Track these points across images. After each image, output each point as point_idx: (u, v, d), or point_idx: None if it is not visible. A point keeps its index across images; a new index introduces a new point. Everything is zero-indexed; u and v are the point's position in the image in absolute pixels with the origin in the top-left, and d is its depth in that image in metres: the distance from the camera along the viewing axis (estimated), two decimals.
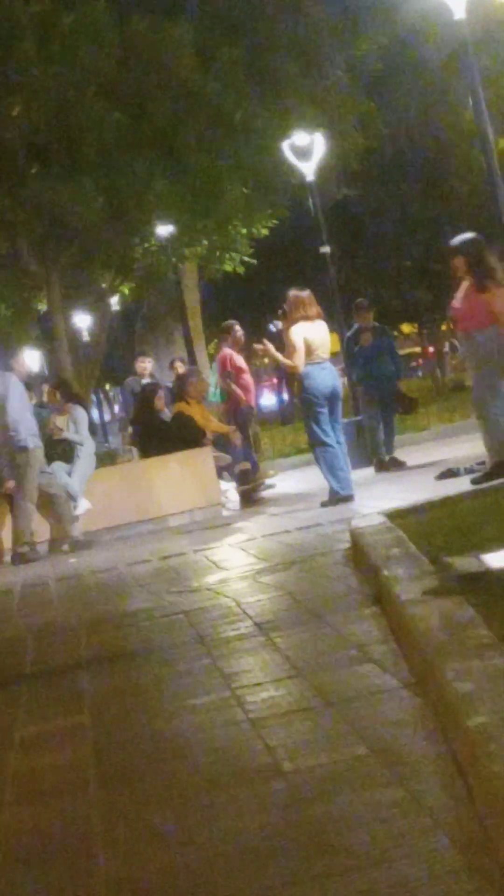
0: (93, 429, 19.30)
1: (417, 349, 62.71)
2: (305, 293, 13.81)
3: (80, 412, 15.81)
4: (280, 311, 14.50)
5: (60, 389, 16.24)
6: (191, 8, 29.64)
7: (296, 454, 23.60)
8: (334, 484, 13.32)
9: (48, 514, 15.08)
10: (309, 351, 13.42)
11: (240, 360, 17.42)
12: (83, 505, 15.04)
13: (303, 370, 13.42)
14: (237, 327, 17.65)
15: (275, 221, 32.17)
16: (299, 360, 13.41)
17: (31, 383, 17.32)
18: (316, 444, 13.60)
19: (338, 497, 13.20)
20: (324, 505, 13.14)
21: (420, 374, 58.53)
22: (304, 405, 13.84)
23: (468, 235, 12.62)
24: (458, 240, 12.53)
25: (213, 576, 9.57)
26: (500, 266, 12.28)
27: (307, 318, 13.53)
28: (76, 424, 15.49)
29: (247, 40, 29.70)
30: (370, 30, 32.93)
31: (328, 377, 13.49)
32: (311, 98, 30.51)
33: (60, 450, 15.32)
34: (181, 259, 32.07)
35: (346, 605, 6.98)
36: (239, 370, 17.12)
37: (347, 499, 13.18)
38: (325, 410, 13.45)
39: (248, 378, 17.51)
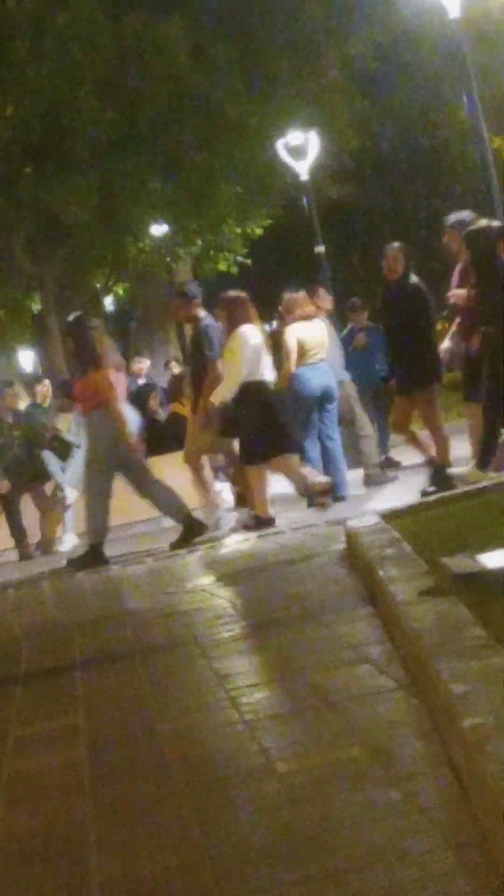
0: None
1: None
2: (300, 293, 13.83)
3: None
4: (276, 315, 14.50)
5: (65, 390, 16.24)
6: (184, 7, 29.61)
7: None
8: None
9: (45, 514, 15.14)
10: (303, 352, 13.40)
11: None
12: (71, 494, 15.10)
13: (294, 371, 13.41)
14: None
15: (269, 221, 32.19)
16: (290, 363, 13.43)
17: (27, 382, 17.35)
18: None
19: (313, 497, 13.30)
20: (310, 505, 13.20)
21: None
22: (293, 405, 13.87)
23: (70, 316, 12.75)
24: (70, 318, 12.49)
25: (207, 576, 9.57)
26: (105, 348, 12.19)
27: (305, 317, 13.52)
28: (78, 426, 15.51)
29: (241, 39, 29.73)
30: (365, 28, 32.95)
31: (320, 378, 13.46)
32: (306, 97, 30.54)
33: (57, 448, 15.34)
34: (175, 259, 32.07)
35: (342, 605, 6.97)
36: None
37: (326, 498, 13.25)
38: (314, 413, 13.42)
39: None
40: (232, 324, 12.48)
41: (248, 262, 32.67)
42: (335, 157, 32.64)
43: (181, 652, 6.78)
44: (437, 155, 40.19)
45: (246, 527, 12.07)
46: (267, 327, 14.24)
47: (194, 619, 7.68)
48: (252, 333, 12.35)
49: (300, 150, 28.29)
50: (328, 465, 13.46)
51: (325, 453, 13.50)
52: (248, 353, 12.19)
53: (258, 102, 29.47)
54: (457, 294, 12.07)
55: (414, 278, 12.29)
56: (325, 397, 13.49)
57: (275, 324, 17.74)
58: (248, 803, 4.06)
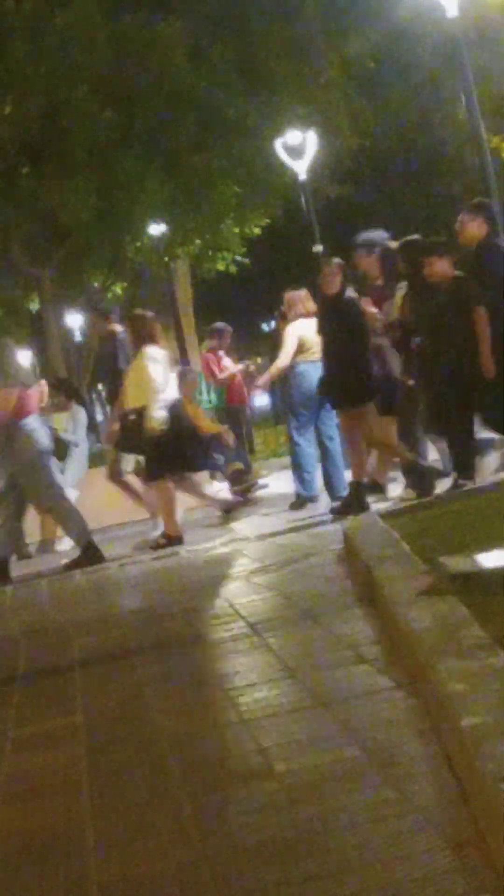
0: (89, 428, 19.29)
1: None
2: (301, 291, 13.84)
3: (81, 413, 15.83)
4: (277, 313, 14.49)
5: (63, 388, 16.22)
6: (182, 6, 29.61)
7: (289, 454, 23.53)
8: (297, 485, 13.44)
9: (42, 513, 15.10)
10: (304, 349, 13.40)
11: (227, 361, 17.42)
12: (72, 495, 15.09)
13: (297, 368, 13.42)
14: (226, 330, 17.65)
15: (267, 220, 32.18)
16: (283, 358, 13.47)
17: None
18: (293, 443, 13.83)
19: (303, 499, 13.29)
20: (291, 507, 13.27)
21: None
22: (293, 401, 13.92)
23: None
24: None
25: (205, 576, 9.56)
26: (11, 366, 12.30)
27: (306, 314, 13.52)
28: (75, 424, 15.49)
29: (239, 39, 29.73)
30: (363, 28, 32.92)
31: (320, 375, 13.45)
32: (304, 96, 30.53)
33: (54, 447, 15.31)
34: (173, 258, 32.06)
35: (340, 605, 6.97)
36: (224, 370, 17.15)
37: (312, 499, 13.26)
38: (310, 411, 13.42)
39: (238, 378, 17.50)
40: (139, 342, 12.59)
41: (247, 261, 32.66)
42: (333, 156, 32.61)
43: (179, 651, 6.79)
44: (435, 154, 40.18)
45: (158, 545, 12.05)
46: (265, 327, 14.21)
47: (192, 619, 7.68)
48: (158, 353, 12.49)
49: (298, 149, 28.28)
50: (327, 465, 13.45)
51: (325, 453, 13.49)
52: (158, 370, 12.30)
53: (256, 102, 29.47)
54: (376, 313, 12.18)
55: (351, 294, 12.15)
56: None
57: (273, 323, 17.75)
58: (246, 803, 4.06)
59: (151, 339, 12.56)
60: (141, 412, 12.19)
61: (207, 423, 16.74)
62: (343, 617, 6.58)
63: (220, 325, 17.87)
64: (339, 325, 11.95)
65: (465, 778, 3.65)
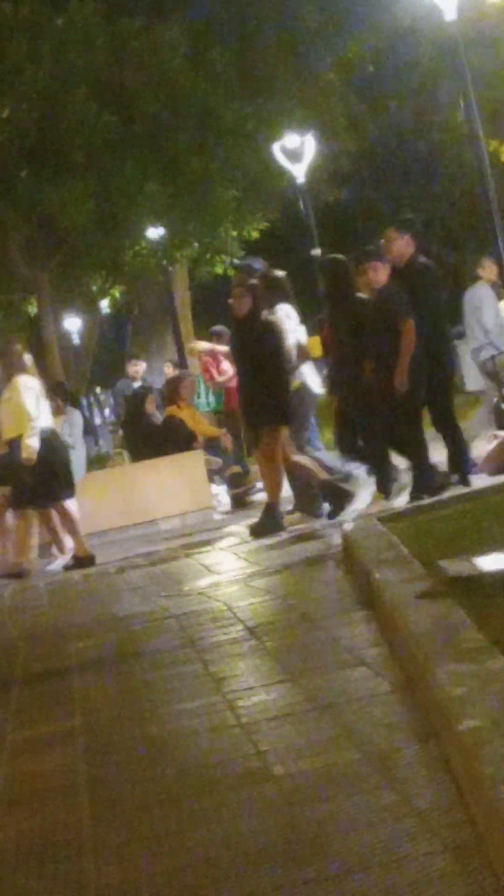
0: (86, 430, 19.28)
1: None
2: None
3: (76, 416, 15.83)
4: None
5: (58, 392, 16.22)
6: (181, 10, 29.63)
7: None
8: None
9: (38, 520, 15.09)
10: (306, 353, 13.36)
11: (225, 364, 17.43)
12: (72, 503, 15.09)
13: (299, 370, 13.39)
14: (224, 332, 17.65)
15: (266, 224, 32.17)
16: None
17: None
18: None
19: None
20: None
21: None
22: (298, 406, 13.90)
23: None
24: None
25: (204, 580, 9.56)
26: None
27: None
28: (72, 428, 15.48)
29: (237, 42, 29.73)
30: (361, 31, 32.96)
31: (317, 379, 13.44)
32: (302, 100, 30.52)
33: None
34: (172, 261, 32.05)
35: (338, 608, 6.97)
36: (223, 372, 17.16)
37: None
38: (311, 411, 13.41)
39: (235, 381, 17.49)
40: (10, 372, 12.71)
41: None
42: (332, 159, 32.62)
43: (178, 655, 6.78)
44: (433, 157, 40.22)
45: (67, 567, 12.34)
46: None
47: (191, 623, 7.68)
48: (31, 382, 12.59)
49: (297, 152, 28.32)
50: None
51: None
52: (31, 399, 12.40)
53: (255, 105, 29.46)
54: (201, 346, 12.15)
55: (266, 314, 12.06)
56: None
57: None
58: (245, 806, 4.06)
59: (22, 369, 12.71)
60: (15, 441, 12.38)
61: (205, 427, 16.77)
62: (342, 620, 6.58)
63: (218, 328, 17.87)
64: (252, 347, 11.71)
65: (463, 781, 3.64)
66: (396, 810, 3.71)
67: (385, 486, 11.43)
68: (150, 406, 17.09)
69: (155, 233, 30.74)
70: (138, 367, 19.89)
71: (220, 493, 16.20)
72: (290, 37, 30.44)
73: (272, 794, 4.10)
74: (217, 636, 7.02)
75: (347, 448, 11.81)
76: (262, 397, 11.61)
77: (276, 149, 28.59)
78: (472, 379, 17.32)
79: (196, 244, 31.55)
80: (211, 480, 16.11)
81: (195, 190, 28.87)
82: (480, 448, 12.81)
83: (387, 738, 4.42)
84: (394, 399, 10.86)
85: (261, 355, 11.62)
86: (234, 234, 31.37)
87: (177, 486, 15.64)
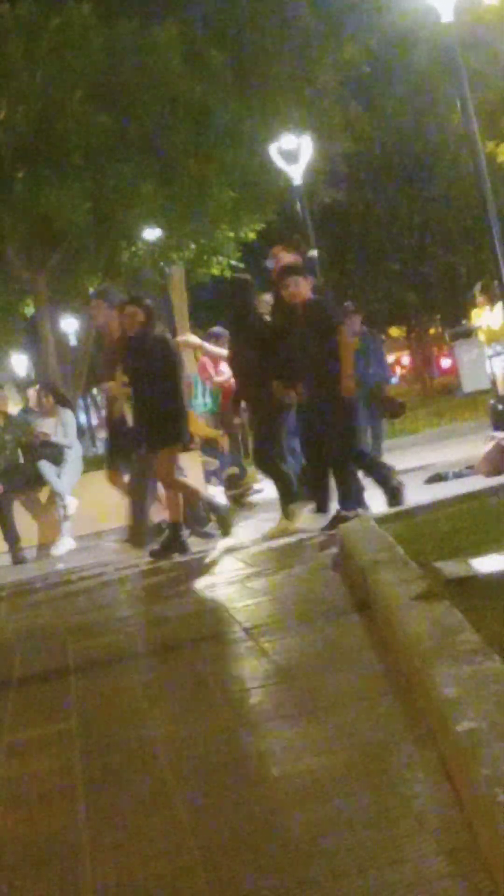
0: (81, 432, 19.30)
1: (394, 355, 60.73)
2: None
3: (68, 415, 15.81)
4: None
5: (49, 392, 16.23)
6: (178, 11, 29.62)
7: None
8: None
9: (38, 518, 15.12)
10: None
11: (223, 366, 17.43)
12: (72, 503, 15.13)
13: None
14: (223, 335, 17.65)
15: (262, 225, 32.18)
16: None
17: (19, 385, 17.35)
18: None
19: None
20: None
21: (396, 381, 56.85)
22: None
23: None
24: None
25: (201, 581, 9.57)
26: None
27: None
28: (65, 427, 15.48)
29: (234, 43, 29.72)
30: (358, 33, 32.94)
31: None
32: (299, 101, 30.53)
33: (48, 452, 15.33)
34: (169, 262, 32.06)
35: (334, 609, 6.98)
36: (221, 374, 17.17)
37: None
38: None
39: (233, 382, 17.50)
40: None
41: (242, 266, 32.66)
42: (328, 161, 32.64)
43: (175, 656, 6.79)
44: (430, 159, 40.24)
45: None
46: None
47: (187, 624, 7.68)
48: None
49: (293, 154, 28.31)
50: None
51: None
52: None
53: (251, 107, 29.46)
54: (109, 387, 12.12)
55: (158, 331, 12.01)
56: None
57: None
58: (242, 808, 4.06)
59: None
60: None
61: (203, 428, 16.76)
62: (338, 621, 6.58)
63: (217, 329, 17.89)
64: (144, 365, 11.62)
65: (459, 783, 3.65)
66: (393, 812, 3.72)
67: (322, 502, 11.34)
68: None
69: (151, 234, 30.75)
70: None
71: (218, 494, 16.20)
72: (287, 38, 30.44)
73: (269, 795, 4.11)
74: (214, 637, 7.02)
75: (263, 462, 11.71)
76: (158, 418, 11.53)
77: (273, 150, 28.59)
78: (470, 381, 17.32)
79: (193, 245, 31.56)
80: (208, 481, 16.10)
81: (192, 191, 28.88)
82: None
83: (383, 739, 4.43)
84: (331, 409, 10.76)
85: (153, 374, 11.53)
86: (231, 235, 31.38)
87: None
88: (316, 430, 11.04)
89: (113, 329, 12.28)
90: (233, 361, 12.12)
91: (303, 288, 11.02)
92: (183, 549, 11.52)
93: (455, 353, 33.52)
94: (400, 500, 10.97)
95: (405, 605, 5.59)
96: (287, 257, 11.65)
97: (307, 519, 11.32)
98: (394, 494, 11.12)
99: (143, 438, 11.83)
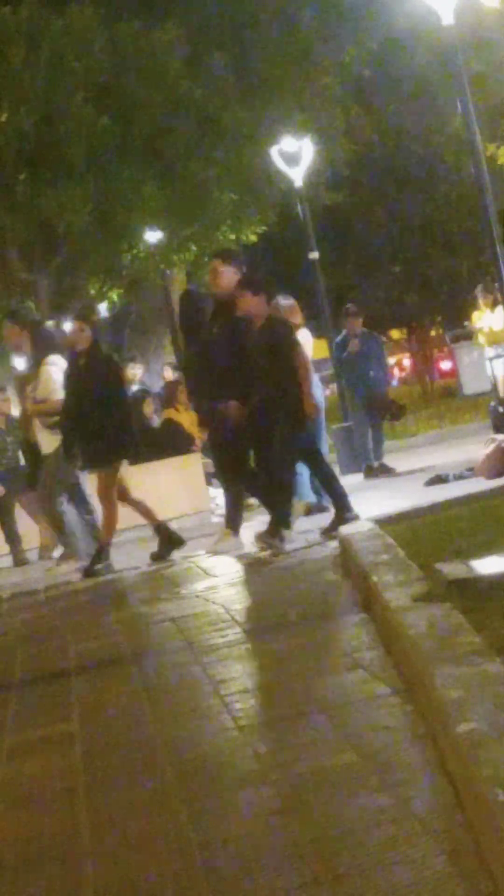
0: None
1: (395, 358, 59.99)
2: (287, 303, 13.63)
3: None
4: None
5: None
6: (179, 14, 29.61)
7: None
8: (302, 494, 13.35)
9: (39, 521, 15.11)
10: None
11: None
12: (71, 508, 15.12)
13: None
14: None
15: (263, 227, 32.17)
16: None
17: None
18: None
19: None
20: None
21: (396, 383, 56.24)
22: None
23: None
24: None
25: (201, 582, 9.57)
26: None
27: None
28: None
29: (235, 46, 29.71)
30: (359, 35, 32.92)
31: None
32: (300, 103, 30.52)
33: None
34: (169, 265, 32.06)
35: (336, 611, 6.98)
36: None
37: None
38: None
39: None
40: None
41: (243, 268, 32.69)
42: (329, 163, 32.60)
43: (175, 658, 6.79)
44: (431, 162, 40.19)
45: None
46: None
47: (188, 625, 7.68)
48: None
49: (294, 156, 28.26)
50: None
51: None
52: None
53: (252, 109, 29.44)
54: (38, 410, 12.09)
55: (102, 349, 11.92)
56: None
57: None
58: (242, 809, 4.06)
59: None
60: None
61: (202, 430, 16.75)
62: (339, 623, 6.59)
63: None
64: (88, 382, 11.56)
65: (460, 783, 3.65)
66: (394, 813, 3.72)
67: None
68: (148, 409, 17.09)
69: (153, 236, 30.74)
70: (136, 371, 19.90)
71: (219, 496, 16.19)
72: (288, 41, 30.43)
73: (270, 797, 4.11)
74: (215, 639, 7.02)
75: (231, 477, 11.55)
76: (100, 435, 11.44)
77: (274, 152, 28.56)
78: (471, 383, 17.33)
79: (194, 247, 31.55)
80: (209, 483, 16.10)
81: (193, 193, 28.87)
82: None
83: (384, 740, 4.43)
84: (282, 426, 10.59)
85: (97, 391, 11.47)
86: (232, 237, 31.37)
87: (175, 489, 15.63)
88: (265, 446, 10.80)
89: (23, 349, 12.32)
90: (186, 374, 11.95)
91: (253, 302, 10.75)
92: (179, 541, 11.58)
93: (455, 356, 33.52)
94: (339, 524, 10.49)
95: (406, 606, 5.60)
96: (227, 271, 11.41)
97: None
98: (339, 515, 10.78)
99: (84, 456, 11.70)
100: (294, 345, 10.83)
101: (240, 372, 10.69)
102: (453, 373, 38.14)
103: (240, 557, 10.48)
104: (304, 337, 13.45)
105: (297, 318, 13.46)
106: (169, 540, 11.75)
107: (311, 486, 13.22)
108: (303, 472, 13.21)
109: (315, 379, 12.59)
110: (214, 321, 11.11)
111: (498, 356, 18.62)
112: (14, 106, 27.24)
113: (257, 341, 10.70)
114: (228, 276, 11.26)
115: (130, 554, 12.58)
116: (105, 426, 11.49)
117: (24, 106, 27.16)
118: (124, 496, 11.88)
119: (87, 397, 11.55)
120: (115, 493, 11.76)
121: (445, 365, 50.60)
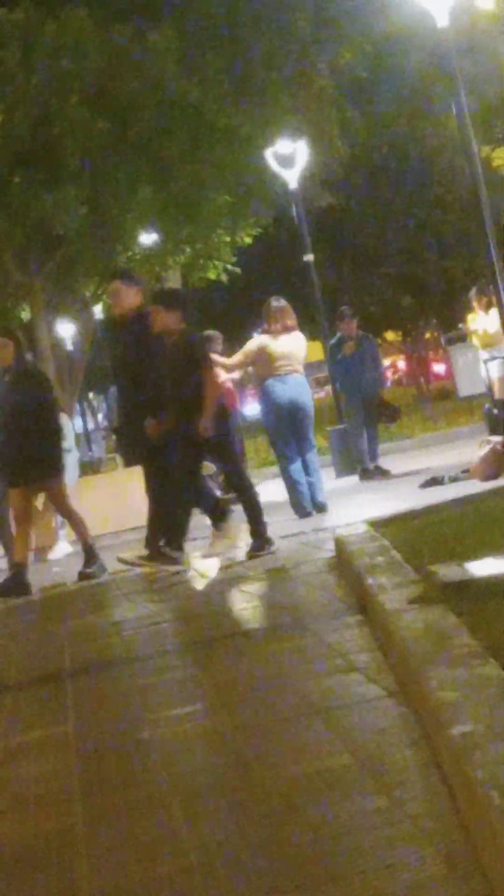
0: (77, 438, 19.30)
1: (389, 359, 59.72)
2: (277, 304, 13.61)
3: (65, 421, 15.84)
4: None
5: None
6: (174, 16, 29.62)
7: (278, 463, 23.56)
8: (291, 499, 13.33)
9: (35, 523, 15.12)
10: (268, 363, 13.31)
11: (218, 369, 17.44)
12: None
13: (265, 382, 13.36)
14: (215, 337, 17.69)
15: (258, 229, 32.20)
16: (224, 370, 13.45)
17: None
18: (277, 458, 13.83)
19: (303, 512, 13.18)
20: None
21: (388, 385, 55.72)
22: (262, 417, 13.97)
23: None
24: None
25: (197, 584, 9.57)
26: None
27: (268, 331, 13.45)
28: (67, 432, 15.52)
29: (230, 48, 29.72)
30: (354, 38, 32.96)
31: (287, 391, 13.22)
32: (295, 106, 30.53)
33: None
34: (165, 267, 32.07)
35: (331, 613, 6.98)
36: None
37: (306, 515, 13.10)
38: (283, 424, 13.31)
39: (229, 386, 17.54)
40: None
41: (238, 270, 32.69)
42: (324, 165, 32.64)
43: (171, 660, 6.79)
44: (425, 163, 40.26)
45: None
46: (255, 334, 14.21)
47: (184, 628, 7.69)
48: None
49: (289, 158, 28.27)
50: (288, 479, 13.36)
51: (305, 467, 13.37)
52: None
53: (247, 111, 29.45)
54: None
55: (28, 362, 11.84)
56: (292, 409, 13.23)
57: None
58: (237, 811, 4.06)
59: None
60: None
61: None
62: (334, 625, 6.59)
63: (208, 332, 17.94)
64: (17, 397, 11.45)
65: (455, 786, 3.65)
66: (389, 815, 3.72)
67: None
68: None
69: (148, 238, 30.76)
70: None
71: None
72: (283, 43, 30.45)
73: (265, 799, 4.11)
74: (210, 641, 7.03)
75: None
76: (25, 452, 11.35)
77: (269, 155, 28.57)
78: (465, 385, 17.35)
79: (189, 249, 31.57)
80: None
81: (188, 195, 28.89)
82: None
83: (379, 742, 4.43)
84: (185, 444, 10.56)
85: (22, 408, 11.36)
86: (227, 239, 31.40)
87: None
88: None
89: None
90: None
91: (165, 317, 10.62)
92: (26, 590, 11.35)
93: (450, 358, 33.54)
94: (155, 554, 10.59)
95: (401, 608, 5.60)
96: (128, 291, 11.31)
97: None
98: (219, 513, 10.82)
99: (13, 473, 11.58)
100: (204, 362, 10.58)
101: (148, 389, 10.59)
102: (447, 376, 38.19)
103: (235, 559, 10.48)
104: (298, 339, 13.48)
105: (290, 319, 13.48)
106: (14, 584, 11.50)
107: (307, 489, 13.24)
108: (301, 480, 13.24)
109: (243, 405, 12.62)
110: (117, 342, 11.02)
111: (492, 358, 18.62)
112: (9, 108, 27.26)
113: (171, 357, 10.57)
114: (130, 296, 11.12)
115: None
116: (34, 442, 11.36)
117: (19, 108, 27.18)
118: (59, 508, 11.92)
119: (13, 413, 11.40)
120: (68, 500, 11.76)
121: (439, 368, 50.69)
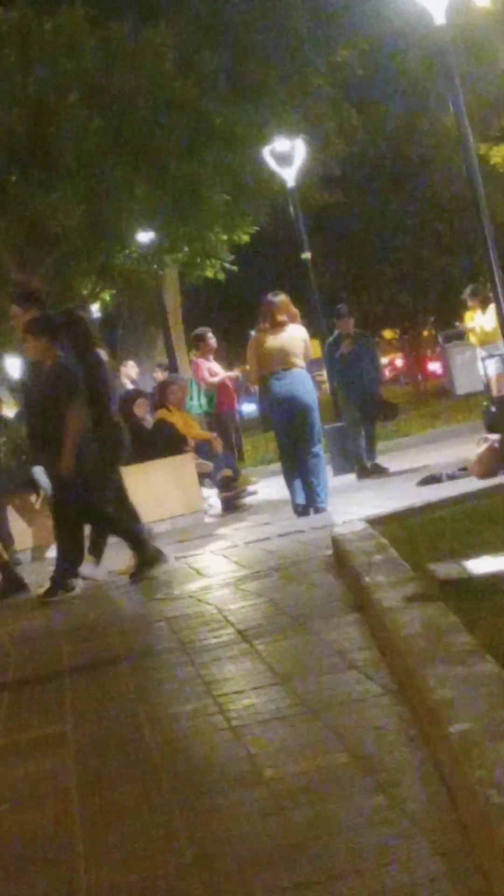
0: None
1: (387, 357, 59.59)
2: (267, 300, 13.56)
3: None
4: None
5: None
6: (171, 14, 29.61)
7: (277, 461, 23.55)
8: (291, 496, 13.33)
9: (32, 522, 15.12)
10: (265, 361, 13.28)
11: (216, 367, 17.49)
12: None
13: (267, 381, 13.36)
14: (209, 334, 17.72)
15: (255, 227, 32.19)
16: (251, 374, 13.52)
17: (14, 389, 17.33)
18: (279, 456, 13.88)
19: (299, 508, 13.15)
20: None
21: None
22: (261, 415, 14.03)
23: None
24: None
25: (195, 583, 9.57)
26: None
27: (260, 329, 13.44)
28: None
29: (228, 46, 29.71)
30: (351, 36, 32.96)
31: (283, 388, 13.17)
32: (292, 104, 30.52)
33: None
34: (162, 265, 32.05)
35: (328, 611, 6.98)
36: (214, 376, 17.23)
37: (304, 511, 13.06)
38: (281, 421, 13.30)
39: (227, 383, 17.56)
40: None
41: (235, 268, 32.68)
42: (321, 164, 32.63)
43: (168, 658, 6.79)
44: (423, 162, 40.26)
45: None
46: (254, 333, 14.20)
47: (181, 626, 7.68)
48: None
49: (286, 157, 28.28)
50: (308, 476, 13.33)
51: (305, 467, 13.33)
52: None
53: (245, 110, 29.44)
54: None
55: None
56: (290, 406, 13.18)
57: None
58: (235, 810, 4.06)
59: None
60: None
61: (196, 430, 16.78)
62: (332, 623, 6.59)
63: (199, 330, 18.04)
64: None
65: (453, 784, 3.65)
66: (387, 813, 3.72)
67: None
68: (140, 409, 17.10)
69: (145, 236, 30.74)
70: (130, 370, 19.91)
71: (211, 497, 16.21)
72: (280, 41, 30.44)
73: (263, 797, 4.11)
74: (208, 639, 7.03)
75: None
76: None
77: (266, 153, 28.57)
78: (463, 383, 17.36)
79: (186, 248, 31.54)
80: (201, 484, 16.11)
81: (185, 194, 28.86)
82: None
83: (377, 740, 4.43)
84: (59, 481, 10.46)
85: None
86: (225, 237, 31.37)
87: (167, 490, 15.63)
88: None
89: None
90: None
91: (34, 347, 10.48)
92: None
93: (448, 356, 33.53)
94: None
95: (399, 606, 5.60)
96: (17, 312, 11.21)
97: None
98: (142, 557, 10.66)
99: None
100: (72, 395, 10.32)
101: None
102: (443, 374, 38.17)
103: (232, 560, 10.49)
104: (293, 333, 13.45)
105: (281, 314, 13.40)
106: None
107: (301, 487, 13.23)
108: (297, 480, 13.23)
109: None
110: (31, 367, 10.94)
111: (490, 356, 18.64)
112: (5, 106, 27.23)
113: (42, 386, 10.45)
114: (24, 319, 11.02)
115: (118, 554, 12.58)
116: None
117: (16, 107, 27.15)
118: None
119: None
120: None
121: (433, 366, 50.66)
